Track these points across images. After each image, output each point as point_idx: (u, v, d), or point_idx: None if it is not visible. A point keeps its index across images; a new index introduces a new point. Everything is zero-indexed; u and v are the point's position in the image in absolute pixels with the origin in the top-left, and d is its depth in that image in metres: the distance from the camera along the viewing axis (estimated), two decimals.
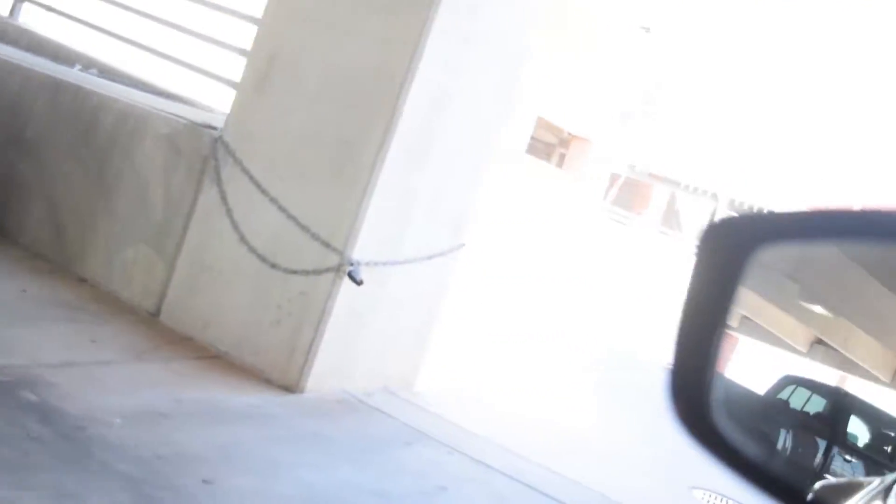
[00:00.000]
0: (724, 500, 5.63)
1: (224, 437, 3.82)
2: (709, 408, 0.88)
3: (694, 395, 0.88)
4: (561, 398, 7.02)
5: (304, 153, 4.63)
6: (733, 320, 0.89)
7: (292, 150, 4.66)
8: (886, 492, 1.33)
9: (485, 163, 5.23)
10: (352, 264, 4.42)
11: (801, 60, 19.32)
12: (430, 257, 4.91)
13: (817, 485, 1.62)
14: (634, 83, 17.70)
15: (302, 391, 4.55)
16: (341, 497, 3.58)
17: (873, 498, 1.32)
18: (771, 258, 0.91)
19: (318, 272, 4.48)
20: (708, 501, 5.62)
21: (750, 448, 0.92)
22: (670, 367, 0.87)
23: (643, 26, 17.38)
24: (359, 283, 4.43)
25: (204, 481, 3.39)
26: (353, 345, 4.76)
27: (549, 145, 21.56)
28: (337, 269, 4.44)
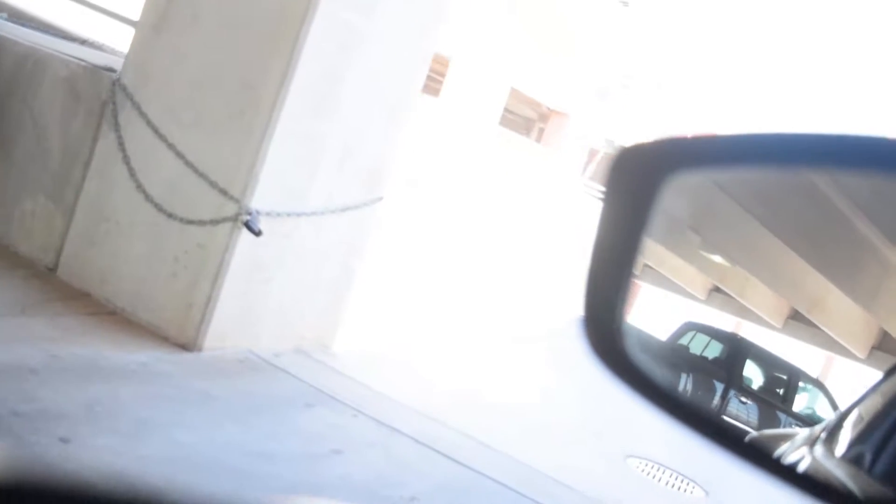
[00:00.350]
0: (660, 468, 5.41)
1: (97, 395, 3.53)
2: (620, 334, 0.86)
3: (605, 321, 0.86)
4: (496, 365, 6.76)
5: (203, 97, 4.33)
6: (637, 268, 0.85)
7: (192, 93, 4.35)
8: (813, 441, 1.36)
9: (405, 111, 4.93)
10: (250, 214, 4.14)
11: (781, 28, 19.04)
12: (342, 210, 4.63)
13: (750, 434, 1.65)
14: (613, 58, 17.42)
15: (199, 349, 4.27)
16: (216, 458, 3.31)
17: (802, 444, 1.36)
18: (684, 187, 0.86)
19: (215, 222, 4.19)
20: (643, 470, 5.39)
21: (664, 380, 0.91)
22: (584, 293, 0.84)
23: (622, 0, 17.10)
24: (257, 233, 4.14)
25: (61, 440, 3.13)
26: (258, 301, 4.48)
27: (528, 120, 21.30)
28: (235, 219, 4.16)
